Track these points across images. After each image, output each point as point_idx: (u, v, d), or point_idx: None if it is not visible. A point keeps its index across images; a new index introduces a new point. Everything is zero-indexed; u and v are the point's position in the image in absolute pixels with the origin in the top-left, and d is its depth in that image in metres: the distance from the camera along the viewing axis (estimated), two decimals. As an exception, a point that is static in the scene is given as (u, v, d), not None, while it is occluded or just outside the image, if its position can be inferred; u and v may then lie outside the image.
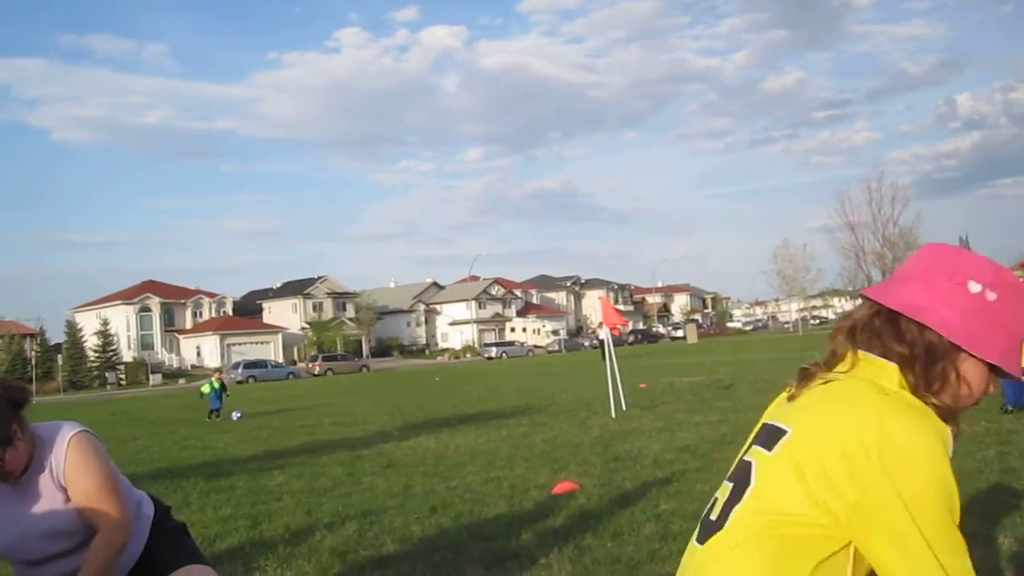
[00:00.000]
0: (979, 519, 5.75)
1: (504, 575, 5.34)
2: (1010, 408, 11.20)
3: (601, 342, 46.60)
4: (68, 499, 3.30)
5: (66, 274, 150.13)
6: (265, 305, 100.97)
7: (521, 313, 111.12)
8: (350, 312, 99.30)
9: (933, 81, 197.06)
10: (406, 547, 6.23)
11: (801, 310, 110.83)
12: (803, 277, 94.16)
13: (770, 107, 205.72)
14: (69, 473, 3.29)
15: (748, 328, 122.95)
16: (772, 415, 1.74)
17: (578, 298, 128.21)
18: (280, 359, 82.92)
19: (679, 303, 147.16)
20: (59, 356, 73.96)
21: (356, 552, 6.24)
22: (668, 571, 5.17)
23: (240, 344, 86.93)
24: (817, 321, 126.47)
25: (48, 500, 3.29)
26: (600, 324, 55.77)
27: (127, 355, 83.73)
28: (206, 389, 22.92)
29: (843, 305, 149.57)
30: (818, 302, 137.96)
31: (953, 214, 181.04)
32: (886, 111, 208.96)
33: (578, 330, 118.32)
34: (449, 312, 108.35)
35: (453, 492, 8.52)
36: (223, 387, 23.02)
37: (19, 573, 3.47)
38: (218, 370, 26.03)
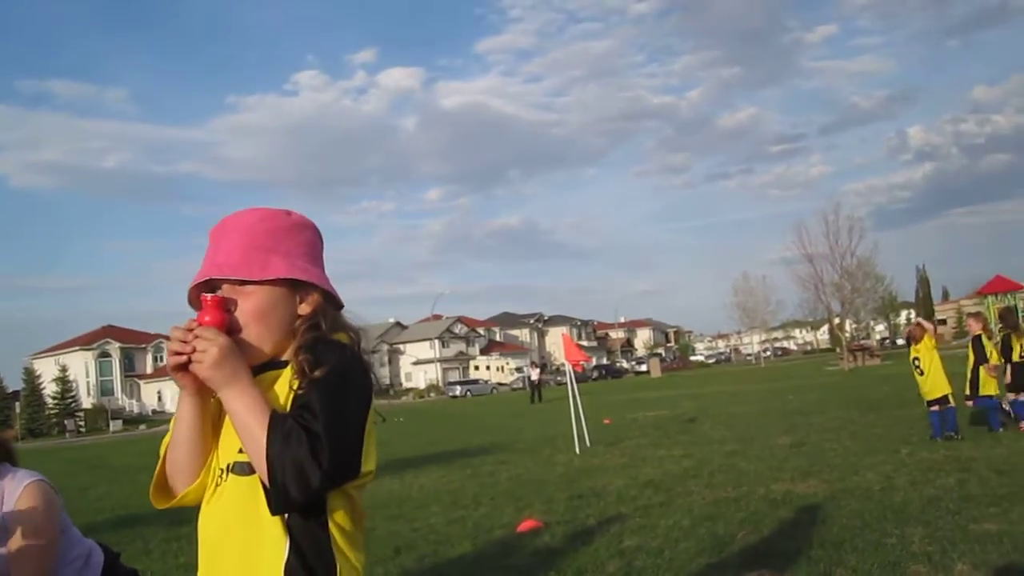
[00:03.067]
0: (938, 546, 5.82)
1: (468, 616, 5.32)
2: (940, 438, 11.41)
3: (531, 381, 46.44)
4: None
5: (24, 320, 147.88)
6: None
7: (485, 351, 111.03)
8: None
9: (884, 115, 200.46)
10: (369, 590, 6.19)
11: (763, 342, 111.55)
12: (764, 309, 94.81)
13: (726, 142, 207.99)
14: (11, 521, 3.26)
15: (711, 361, 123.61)
16: None
17: (541, 335, 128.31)
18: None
19: (642, 338, 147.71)
20: (17, 404, 72.77)
21: (319, 597, 6.17)
22: (632, 607, 5.18)
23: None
24: (779, 352, 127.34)
25: None
26: (532, 364, 55.13)
27: (87, 401, 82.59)
28: None
29: (804, 336, 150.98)
30: (779, 333, 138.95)
31: (909, 244, 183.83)
32: (839, 144, 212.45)
33: (543, 367, 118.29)
34: (412, 351, 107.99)
35: (417, 533, 8.48)
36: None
37: None
38: None
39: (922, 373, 12.10)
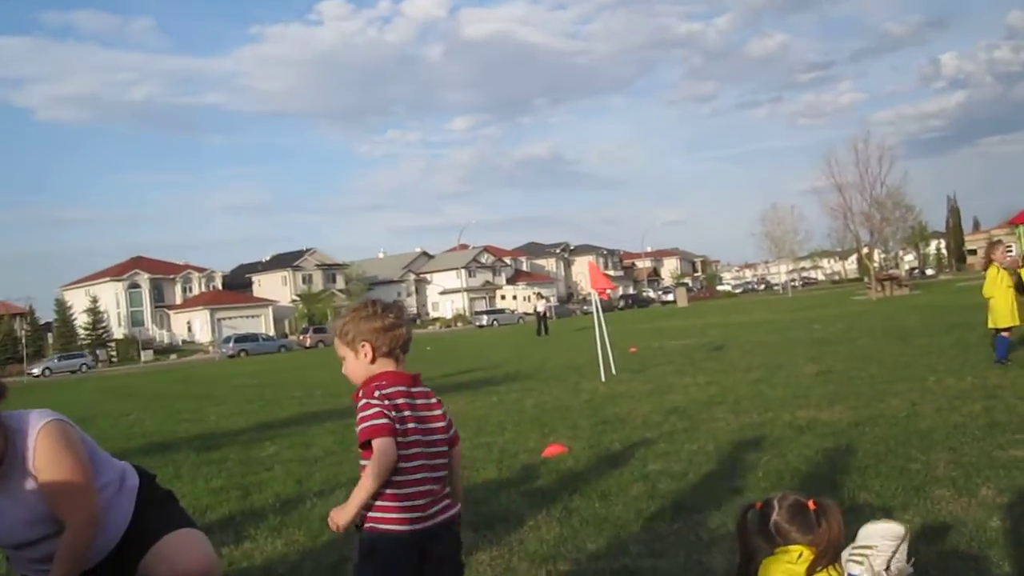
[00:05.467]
0: (963, 472, 5.81)
1: (493, 537, 5.38)
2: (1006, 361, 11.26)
3: (537, 313, 46.06)
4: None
5: (55, 252, 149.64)
6: (255, 279, 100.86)
7: (511, 281, 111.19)
8: (340, 283, 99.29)
9: (917, 41, 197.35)
10: (396, 513, 6.27)
11: (790, 272, 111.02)
12: (792, 239, 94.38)
13: (755, 71, 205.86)
14: (38, 465, 3.29)
15: (738, 291, 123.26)
16: None
17: (568, 264, 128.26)
18: (271, 332, 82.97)
19: (669, 267, 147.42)
20: (49, 335, 73.86)
21: (347, 519, 6.27)
22: (655, 530, 5.22)
23: (230, 318, 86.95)
24: (806, 282, 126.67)
25: (25, 490, 3.31)
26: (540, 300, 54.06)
27: (117, 332, 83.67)
28: None
29: (832, 266, 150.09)
30: (807, 263, 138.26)
31: (940, 173, 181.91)
32: (870, 72, 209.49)
33: (569, 296, 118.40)
34: (439, 281, 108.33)
35: (443, 458, 8.55)
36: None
37: (10, 556, 3.54)
38: None
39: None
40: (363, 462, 2.95)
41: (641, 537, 5.08)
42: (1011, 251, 12.30)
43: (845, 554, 2.70)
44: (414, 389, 3.10)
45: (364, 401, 2.97)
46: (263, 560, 5.41)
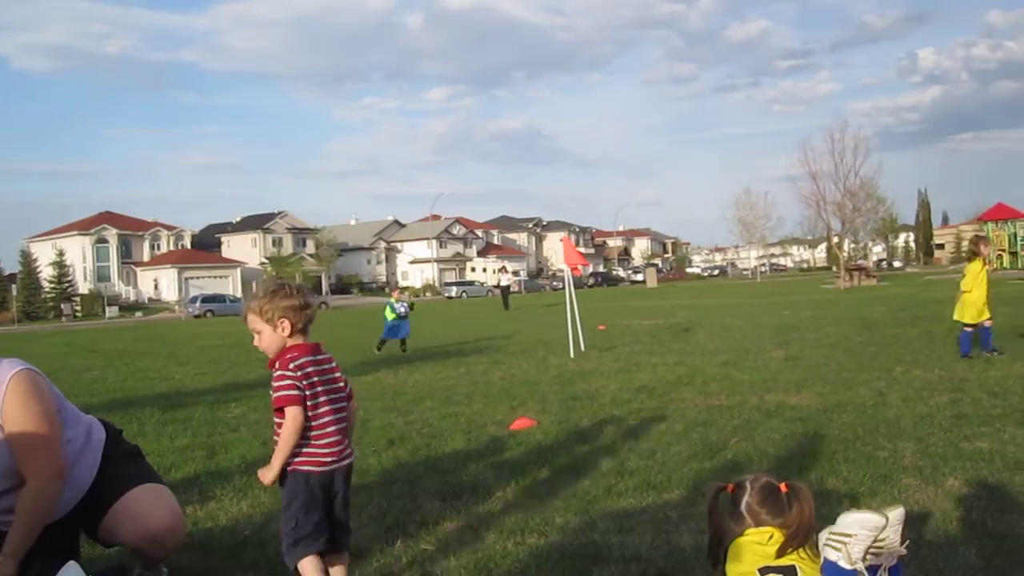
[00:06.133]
0: (930, 461, 5.87)
1: (460, 507, 5.37)
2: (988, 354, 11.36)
3: (501, 287, 45.84)
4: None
5: (22, 204, 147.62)
6: (224, 239, 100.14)
7: (482, 253, 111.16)
8: (310, 248, 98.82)
9: (896, 34, 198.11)
10: (363, 479, 6.24)
11: (760, 257, 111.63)
12: (763, 224, 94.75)
13: (734, 55, 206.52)
14: (7, 414, 3.23)
15: (707, 274, 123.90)
16: None
17: (539, 239, 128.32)
18: (239, 294, 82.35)
19: (640, 247, 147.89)
20: (13, 287, 72.89)
21: (313, 483, 6.23)
22: (624, 506, 5.23)
23: (198, 278, 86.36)
24: (775, 268, 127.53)
25: None
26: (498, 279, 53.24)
27: (83, 287, 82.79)
28: (390, 315, 17.78)
29: (802, 253, 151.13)
30: (777, 250, 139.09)
31: (913, 167, 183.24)
32: (849, 63, 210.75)
33: (539, 271, 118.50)
34: (410, 250, 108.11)
35: (411, 426, 8.54)
36: (411, 309, 18.37)
37: None
38: (399, 288, 21.18)
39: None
40: (278, 421, 3.51)
41: (609, 513, 5.08)
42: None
43: (822, 537, 2.70)
44: (319, 356, 3.62)
45: (279, 372, 3.48)
46: (228, 520, 5.37)
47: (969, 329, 11.60)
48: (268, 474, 3.50)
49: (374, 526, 5.05)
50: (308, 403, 3.47)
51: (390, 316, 17.74)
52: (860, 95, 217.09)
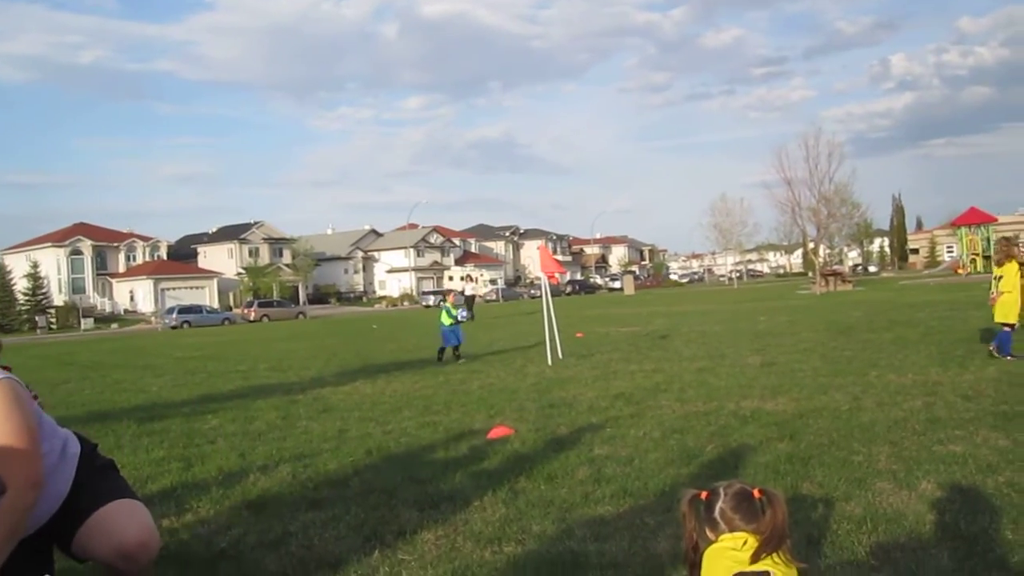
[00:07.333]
0: (903, 465, 5.92)
1: (438, 516, 5.37)
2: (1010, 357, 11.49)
3: (464, 296, 45.77)
4: None
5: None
6: (200, 250, 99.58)
7: (459, 262, 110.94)
8: (287, 258, 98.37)
9: (868, 41, 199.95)
10: (340, 490, 6.23)
11: (737, 264, 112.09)
12: (740, 231, 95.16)
13: (709, 63, 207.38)
14: None
15: (684, 280, 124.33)
16: None
17: (516, 248, 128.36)
18: (215, 304, 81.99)
19: (617, 255, 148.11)
20: (-13, 298, 72.18)
21: (290, 494, 6.23)
22: (601, 513, 5.24)
23: (174, 289, 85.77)
24: (752, 275, 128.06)
25: None
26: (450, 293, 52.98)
27: (58, 299, 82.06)
28: (447, 320, 17.43)
29: (777, 259, 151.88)
30: (753, 256, 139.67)
31: (886, 173, 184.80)
32: (822, 70, 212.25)
33: (516, 280, 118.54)
34: (387, 259, 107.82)
35: (388, 436, 8.53)
36: (469, 310, 16.77)
37: None
38: (452, 291, 21.50)
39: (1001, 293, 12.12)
40: None
41: (586, 521, 5.10)
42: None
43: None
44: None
45: None
46: (205, 533, 5.35)
47: (1008, 329, 11.78)
48: None
49: (352, 536, 5.05)
50: None
51: (447, 321, 17.35)
52: (833, 102, 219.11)
